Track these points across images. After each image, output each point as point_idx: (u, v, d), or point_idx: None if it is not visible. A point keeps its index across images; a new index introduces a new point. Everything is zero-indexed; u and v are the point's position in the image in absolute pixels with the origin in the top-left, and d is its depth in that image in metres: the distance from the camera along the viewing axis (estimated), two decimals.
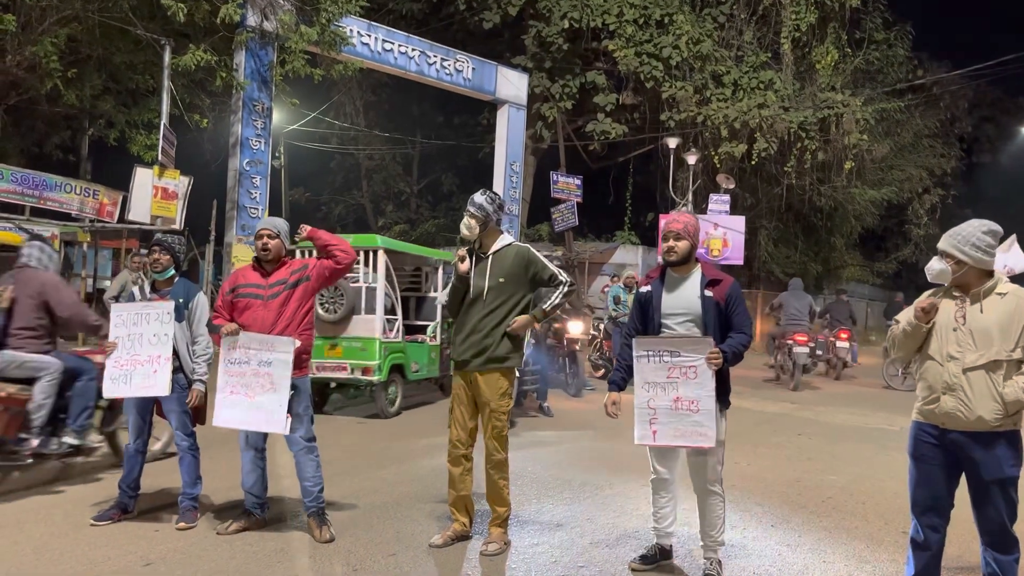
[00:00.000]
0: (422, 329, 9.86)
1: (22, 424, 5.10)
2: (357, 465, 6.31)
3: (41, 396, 5.07)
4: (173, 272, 4.78)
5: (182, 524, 4.57)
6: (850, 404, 11.08)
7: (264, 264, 4.53)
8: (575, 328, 10.88)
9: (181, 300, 4.69)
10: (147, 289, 4.79)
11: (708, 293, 3.92)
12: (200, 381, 4.72)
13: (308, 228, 4.51)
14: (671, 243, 4.00)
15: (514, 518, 4.68)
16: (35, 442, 5.17)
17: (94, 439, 5.62)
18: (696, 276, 4.00)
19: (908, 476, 3.53)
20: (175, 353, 4.60)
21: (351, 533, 4.56)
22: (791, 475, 6.49)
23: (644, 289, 4.13)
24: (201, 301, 4.79)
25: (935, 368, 3.34)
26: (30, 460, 5.24)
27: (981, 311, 3.29)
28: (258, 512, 4.63)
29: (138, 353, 4.54)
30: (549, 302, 4.43)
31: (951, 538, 3.53)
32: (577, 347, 10.85)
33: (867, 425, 9.34)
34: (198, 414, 4.81)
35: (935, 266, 3.40)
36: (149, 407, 4.76)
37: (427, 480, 5.82)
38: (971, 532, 3.59)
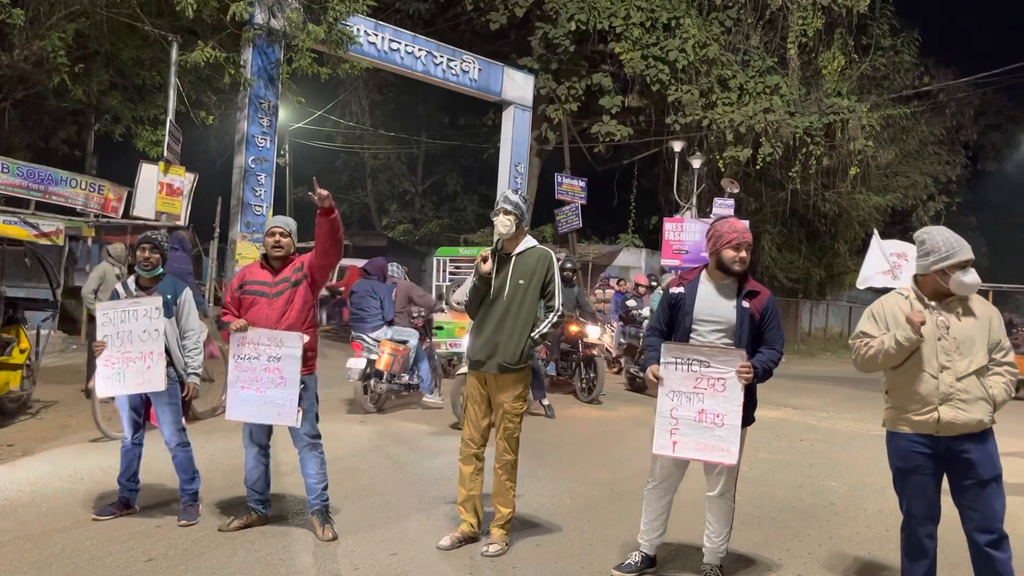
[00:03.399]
0: None
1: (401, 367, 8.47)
2: (361, 463, 6.31)
3: (412, 351, 8.61)
4: (161, 270, 4.78)
5: (183, 521, 4.57)
6: (853, 411, 11.05)
7: (272, 262, 4.55)
8: (593, 332, 10.21)
9: (169, 296, 4.68)
10: (132, 286, 4.78)
11: (745, 304, 3.81)
12: (195, 374, 4.74)
13: (327, 194, 4.17)
14: (743, 254, 3.82)
15: (516, 518, 4.67)
16: (406, 377, 8.77)
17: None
18: (734, 285, 3.89)
19: (897, 489, 3.58)
20: (165, 349, 4.59)
21: (354, 532, 4.56)
22: (792, 480, 6.47)
23: (676, 290, 3.98)
24: (188, 296, 4.80)
25: (927, 380, 3.35)
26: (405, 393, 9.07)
27: (959, 319, 3.37)
28: (260, 509, 4.63)
29: (129, 351, 4.54)
30: (539, 330, 4.39)
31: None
32: (595, 352, 10.18)
33: (869, 432, 9.31)
34: (184, 409, 4.81)
35: (971, 279, 3.32)
36: (142, 402, 4.75)
37: (431, 479, 5.81)
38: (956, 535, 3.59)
